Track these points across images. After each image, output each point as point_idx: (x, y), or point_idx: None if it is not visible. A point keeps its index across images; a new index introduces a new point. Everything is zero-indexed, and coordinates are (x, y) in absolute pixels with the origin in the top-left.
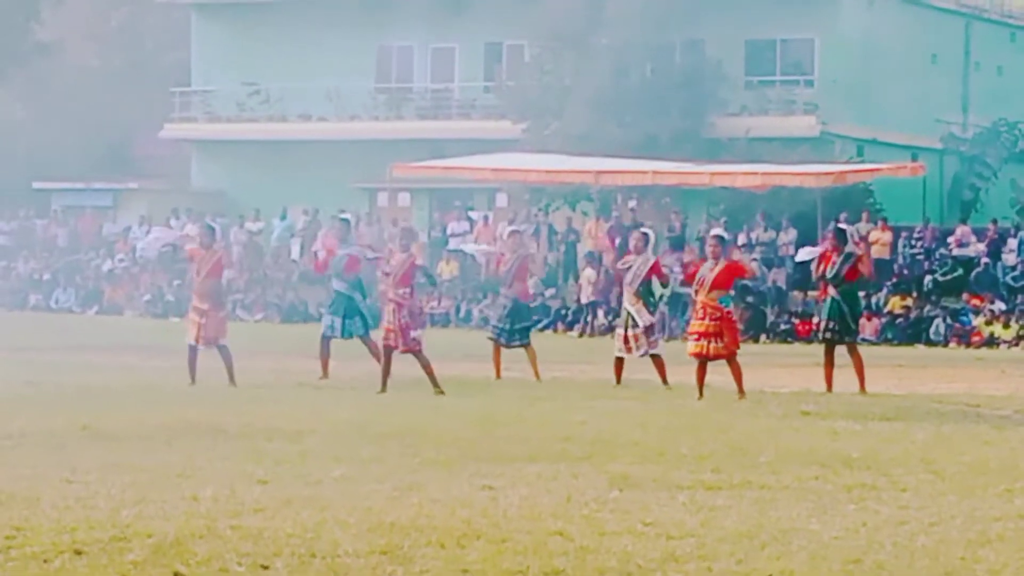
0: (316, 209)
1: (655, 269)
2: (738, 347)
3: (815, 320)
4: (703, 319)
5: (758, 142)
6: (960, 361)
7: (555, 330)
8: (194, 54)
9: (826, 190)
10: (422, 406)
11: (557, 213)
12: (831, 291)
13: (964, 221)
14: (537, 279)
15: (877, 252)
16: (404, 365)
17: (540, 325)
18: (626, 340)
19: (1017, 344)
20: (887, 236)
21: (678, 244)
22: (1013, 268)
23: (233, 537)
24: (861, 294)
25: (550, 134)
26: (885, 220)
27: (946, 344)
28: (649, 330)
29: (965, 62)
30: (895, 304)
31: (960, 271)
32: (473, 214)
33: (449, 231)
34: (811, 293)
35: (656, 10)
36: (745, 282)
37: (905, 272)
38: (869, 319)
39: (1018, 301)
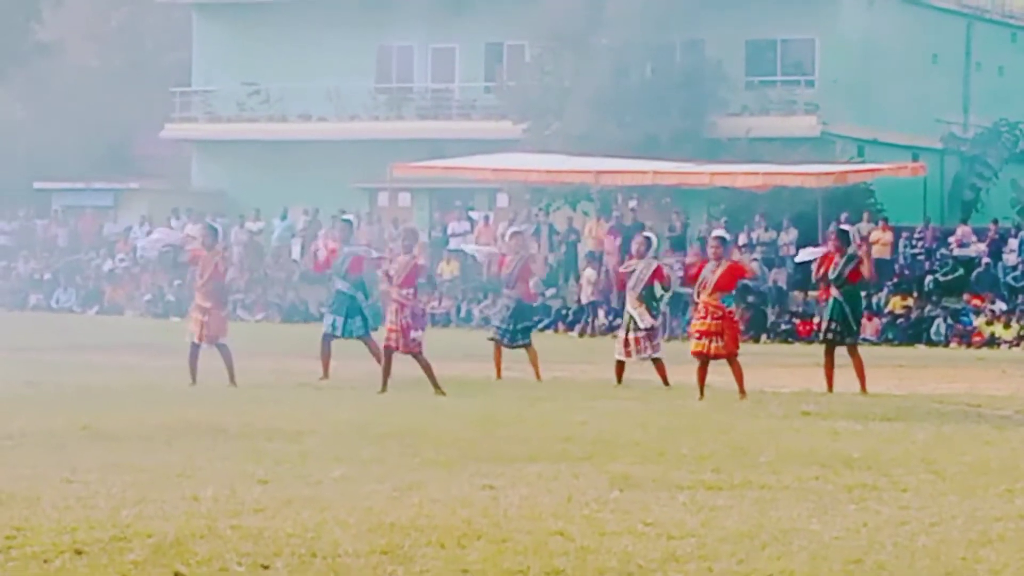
0: (316, 209)
1: (657, 274)
2: (738, 347)
3: (816, 320)
4: (705, 318)
5: (759, 142)
6: (961, 361)
7: (556, 330)
8: (195, 54)
9: (827, 190)
10: (422, 406)
11: (558, 213)
12: (833, 292)
13: (965, 221)
14: (538, 279)
15: (878, 252)
16: (404, 365)
17: (540, 325)
18: (626, 343)
19: (1018, 344)
20: (888, 236)
21: (679, 244)
22: (1014, 268)
23: (233, 537)
24: (862, 294)
25: (551, 134)
26: (886, 220)
27: (947, 344)
28: (651, 333)
29: (966, 62)
30: (896, 304)
31: (961, 271)
32: (474, 214)
33: (449, 231)
34: (812, 293)
35: (656, 10)
36: (746, 282)
37: (906, 272)
38: (870, 319)
39: (1019, 301)
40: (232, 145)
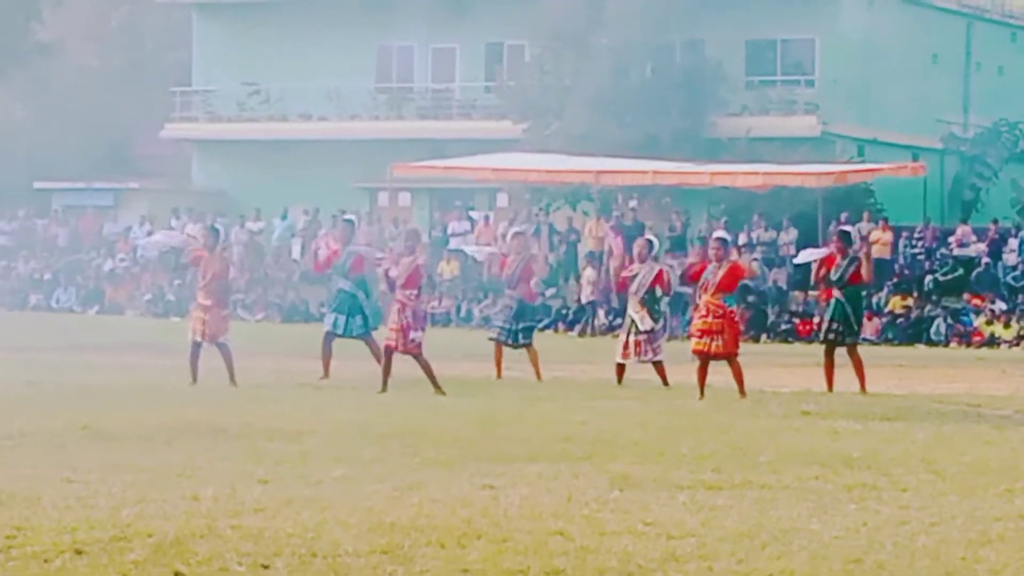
0: (317, 209)
1: (659, 279)
2: (738, 347)
3: (816, 320)
4: (706, 317)
5: (759, 142)
6: (961, 361)
7: (556, 330)
8: (195, 54)
9: (827, 190)
10: (422, 406)
11: (558, 213)
12: (835, 293)
13: (965, 221)
14: (538, 279)
15: (878, 252)
16: (405, 365)
17: (541, 325)
18: (627, 346)
19: (1018, 344)
20: (888, 236)
21: (679, 244)
22: (1014, 268)
23: (234, 537)
24: (863, 295)
25: (551, 134)
26: (886, 220)
27: (947, 344)
28: (652, 336)
29: (966, 62)
30: (896, 304)
31: (961, 271)
32: (474, 214)
33: (450, 231)
34: (812, 293)
35: (656, 10)
36: (746, 282)
37: (906, 272)
38: (870, 319)
39: (1019, 301)
40: (232, 145)
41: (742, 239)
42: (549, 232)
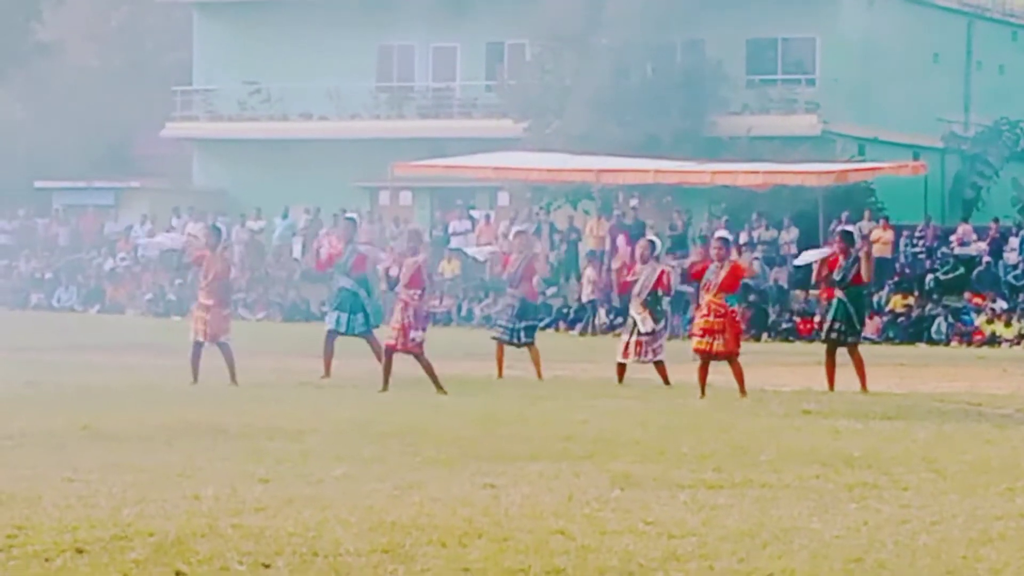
0: (318, 208)
1: (660, 281)
2: (739, 347)
3: (817, 319)
4: (707, 316)
5: (759, 141)
6: (962, 360)
7: (556, 329)
8: (195, 53)
9: (827, 189)
10: (423, 405)
11: (558, 212)
12: (838, 292)
13: (966, 220)
14: (539, 278)
15: (879, 251)
16: (405, 364)
17: (542, 324)
18: (627, 347)
19: (1019, 343)
20: (888, 235)
21: (680, 243)
22: (1015, 267)
23: (234, 536)
24: (866, 294)
25: (551, 133)
26: (887, 219)
27: (948, 343)
28: (653, 337)
29: (967, 61)
30: (896, 303)
31: (962, 270)
32: (475, 213)
33: (451, 230)
34: (813, 292)
35: (657, 10)
36: (747, 280)
37: (907, 271)
38: (871, 318)
39: (1020, 300)
40: (233, 144)
41: (743, 238)
42: (550, 231)
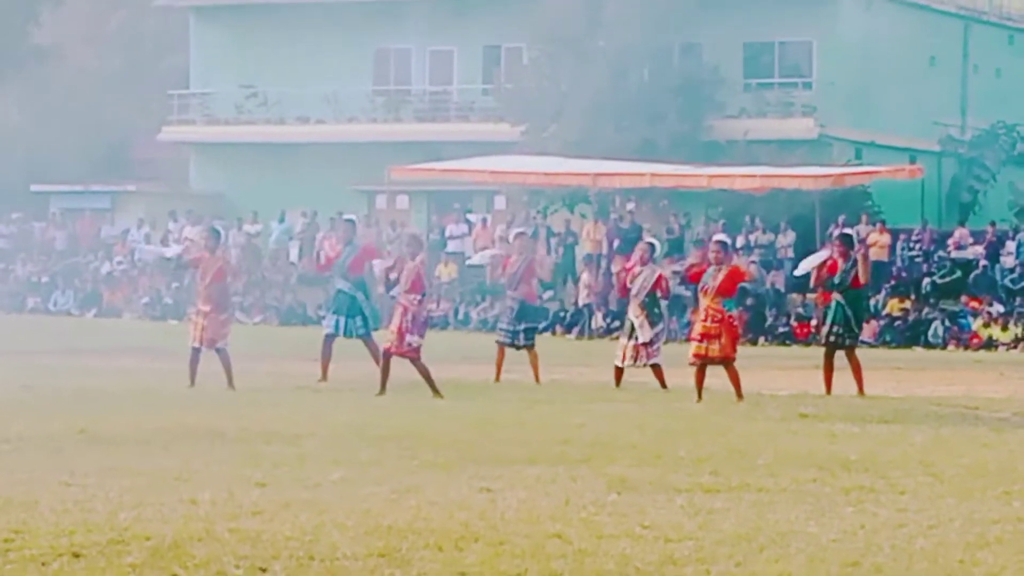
0: (315, 211)
1: (659, 284)
2: (735, 352)
3: (814, 323)
4: (705, 321)
5: (756, 144)
6: (958, 363)
7: (553, 333)
8: (192, 57)
9: (824, 192)
10: (420, 409)
11: (555, 215)
12: (836, 296)
13: (962, 223)
14: (536, 280)
15: (875, 254)
16: (403, 368)
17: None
18: (624, 351)
19: (1015, 346)
20: (885, 238)
21: (677, 247)
22: (1011, 270)
23: (231, 540)
24: (866, 297)
25: (548, 137)
26: (883, 222)
27: (944, 346)
28: (650, 342)
29: (963, 64)
30: (893, 306)
31: (958, 273)
32: (472, 216)
33: (448, 234)
34: (810, 296)
35: (654, 13)
36: (744, 284)
37: (903, 274)
38: (868, 321)
39: (1016, 303)
40: (230, 148)
41: (739, 242)
42: (547, 235)
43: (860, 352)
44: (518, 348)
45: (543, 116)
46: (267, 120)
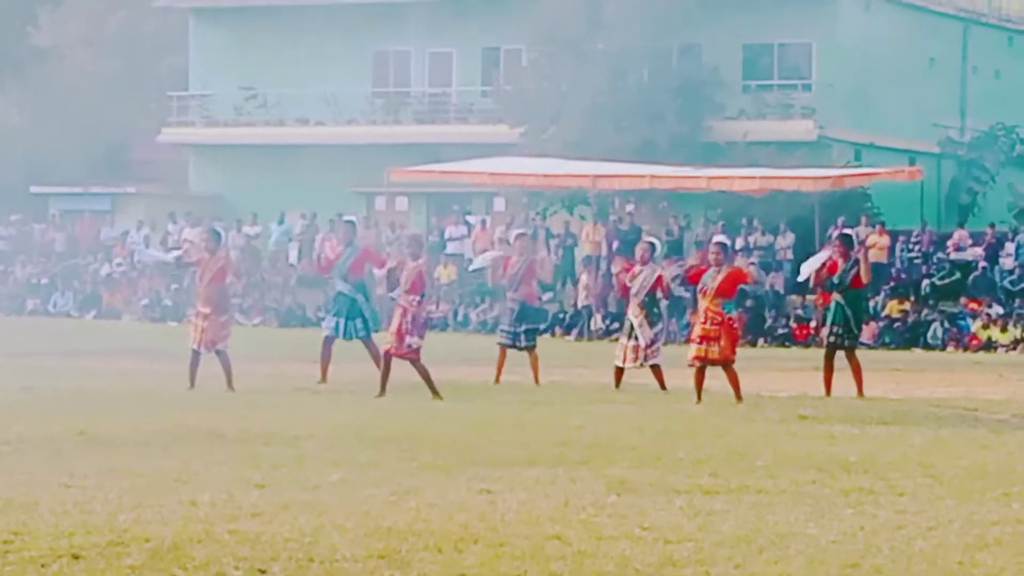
0: (314, 213)
1: (658, 283)
2: (735, 354)
3: (813, 324)
4: (704, 323)
5: (756, 146)
6: (958, 365)
7: (553, 334)
8: (192, 58)
9: (823, 194)
10: (420, 410)
11: (555, 217)
12: (836, 296)
13: (962, 225)
14: (536, 282)
15: (875, 256)
16: (402, 370)
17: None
18: (625, 351)
19: (1015, 348)
20: (885, 240)
21: (676, 248)
22: (1011, 272)
23: (231, 541)
24: (866, 298)
25: (548, 138)
26: (883, 224)
27: (944, 348)
28: (650, 343)
29: (963, 66)
30: (893, 308)
31: (958, 275)
32: (471, 218)
33: (447, 235)
34: (809, 297)
35: (653, 15)
36: (743, 286)
37: (903, 276)
38: (867, 323)
39: (1016, 305)
40: (229, 149)
41: (739, 243)
42: (546, 236)
43: (859, 353)
44: (519, 349)
45: (542, 118)
46: (266, 122)
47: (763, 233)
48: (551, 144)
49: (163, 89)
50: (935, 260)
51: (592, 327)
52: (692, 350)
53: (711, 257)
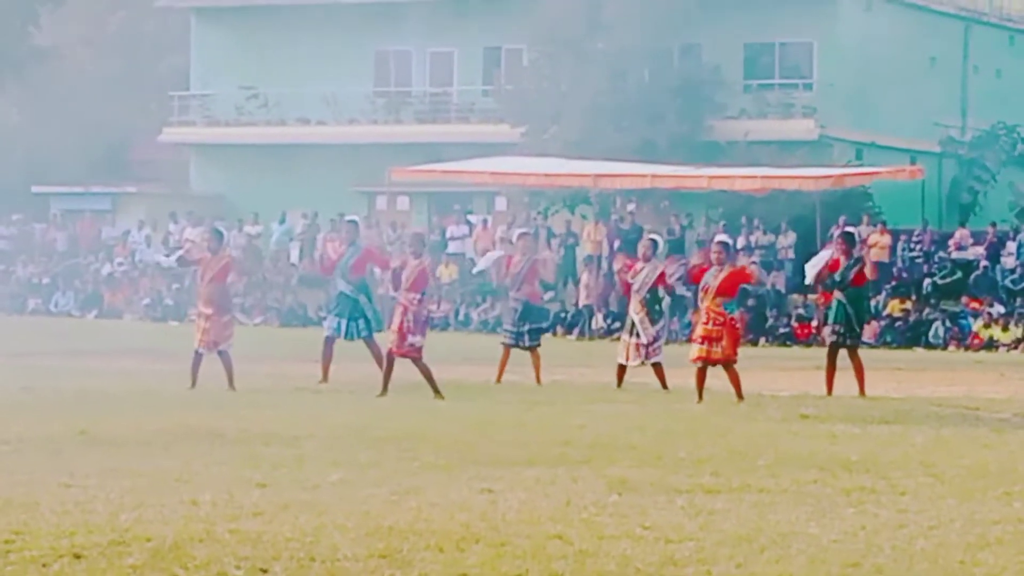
0: (315, 213)
1: (661, 279)
2: (736, 355)
3: (815, 324)
4: (707, 323)
5: (756, 145)
6: (959, 364)
7: (554, 333)
8: (193, 58)
9: (825, 193)
10: (420, 410)
11: (556, 216)
12: (837, 294)
13: (963, 224)
14: (539, 282)
15: (876, 255)
16: (403, 370)
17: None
18: (627, 348)
19: (1016, 347)
20: (886, 239)
21: (678, 247)
22: (1012, 271)
23: (231, 541)
24: (868, 296)
25: (549, 138)
26: (884, 223)
27: (945, 347)
28: (652, 341)
29: (964, 65)
30: (894, 307)
31: (959, 274)
32: (472, 218)
33: (448, 235)
34: (810, 296)
35: (654, 15)
36: (745, 285)
37: (904, 275)
38: (868, 322)
39: (1017, 304)
40: (230, 149)
41: (740, 242)
42: (547, 236)
43: (860, 352)
44: (523, 349)
45: (543, 117)
46: (267, 121)
47: (764, 232)
48: (552, 144)
49: (164, 89)
50: (936, 259)
51: (593, 326)
52: (694, 350)
53: (713, 256)
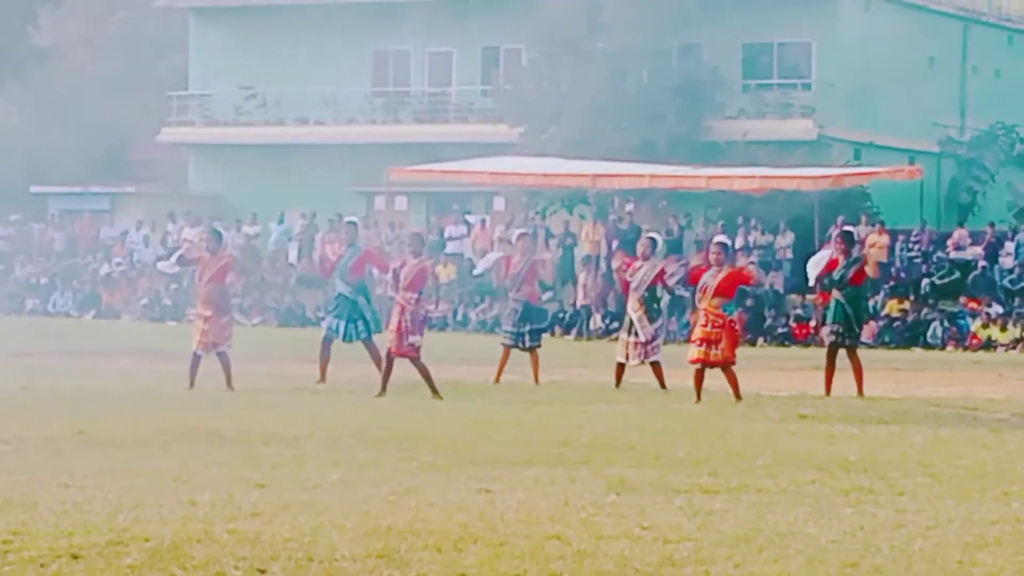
0: (314, 213)
1: (660, 277)
2: (735, 356)
3: (813, 324)
4: (705, 325)
5: (755, 145)
6: (957, 364)
7: (552, 334)
8: (192, 58)
9: (823, 193)
10: (419, 410)
11: (554, 216)
12: (836, 294)
13: (961, 224)
14: (538, 282)
15: (874, 256)
16: (402, 369)
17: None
18: (626, 347)
19: (1014, 347)
20: (884, 239)
21: (676, 248)
22: (1010, 271)
23: (230, 541)
24: (867, 296)
25: (547, 138)
26: (882, 223)
27: (943, 347)
28: (650, 339)
29: (962, 65)
30: (892, 307)
31: (957, 274)
32: (471, 218)
33: (447, 235)
34: (809, 297)
35: (653, 15)
36: (743, 286)
37: (902, 275)
38: (867, 322)
39: (1015, 304)
40: (229, 149)
41: (739, 242)
42: (546, 236)
43: (859, 353)
44: (523, 350)
45: (542, 117)
46: (266, 121)
47: (763, 232)
48: (551, 144)
49: (163, 89)
50: (935, 259)
51: (591, 326)
52: (693, 352)
53: (712, 257)
